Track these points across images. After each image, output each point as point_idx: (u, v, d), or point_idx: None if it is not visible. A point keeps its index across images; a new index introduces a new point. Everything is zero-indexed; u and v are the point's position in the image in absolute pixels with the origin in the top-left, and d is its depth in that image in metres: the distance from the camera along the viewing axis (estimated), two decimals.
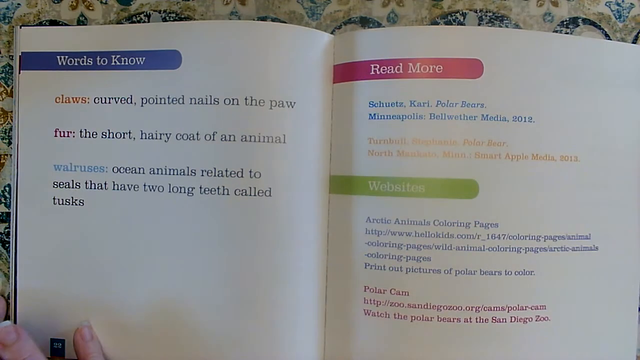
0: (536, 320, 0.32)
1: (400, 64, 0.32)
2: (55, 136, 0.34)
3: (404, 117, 0.32)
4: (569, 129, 0.32)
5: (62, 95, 0.34)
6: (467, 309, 0.32)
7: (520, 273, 0.32)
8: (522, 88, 0.32)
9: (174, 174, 0.33)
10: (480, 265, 0.32)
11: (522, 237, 0.32)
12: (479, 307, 0.32)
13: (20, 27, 0.35)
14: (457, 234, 0.32)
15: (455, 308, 0.32)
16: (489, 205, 0.32)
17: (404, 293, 0.32)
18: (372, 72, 0.33)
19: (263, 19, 0.36)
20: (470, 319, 0.32)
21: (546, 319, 0.32)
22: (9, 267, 0.36)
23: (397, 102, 0.32)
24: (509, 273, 0.32)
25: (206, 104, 0.33)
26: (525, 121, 0.32)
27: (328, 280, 0.34)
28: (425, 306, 0.32)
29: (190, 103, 0.33)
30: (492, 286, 0.32)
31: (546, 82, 0.32)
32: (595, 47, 0.33)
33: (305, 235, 0.33)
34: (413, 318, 0.32)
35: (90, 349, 0.33)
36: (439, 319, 0.32)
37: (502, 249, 0.32)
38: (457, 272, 0.32)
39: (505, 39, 0.32)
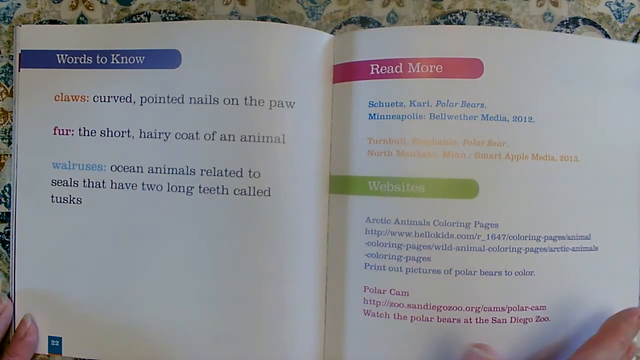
0: (536, 321, 0.32)
1: (400, 64, 0.32)
2: (54, 134, 0.34)
3: (404, 117, 0.32)
4: (569, 129, 0.32)
5: (62, 94, 0.34)
6: (467, 309, 0.32)
7: (520, 273, 0.32)
8: (522, 88, 0.32)
9: (173, 173, 0.33)
10: (480, 266, 0.32)
11: (522, 237, 0.32)
12: (479, 307, 0.32)
13: (20, 26, 0.35)
14: (457, 234, 0.32)
15: (455, 308, 0.32)
16: (489, 205, 0.32)
17: (404, 293, 0.32)
18: (372, 72, 0.32)
19: (263, 19, 0.36)
20: (470, 319, 0.32)
21: (546, 319, 0.32)
22: (9, 267, 0.36)
23: (397, 102, 0.32)
24: (509, 273, 0.32)
25: (206, 103, 0.33)
26: (525, 121, 0.32)
27: (328, 280, 0.34)
28: (425, 306, 0.32)
29: (190, 102, 0.33)
30: (492, 286, 0.32)
31: (546, 82, 0.32)
32: (596, 46, 0.33)
33: (305, 235, 0.33)
34: (413, 318, 0.32)
35: (12, 348, 0.34)
36: (439, 319, 0.32)
37: (502, 249, 0.32)
38: (457, 272, 0.32)
39: (505, 39, 0.32)
